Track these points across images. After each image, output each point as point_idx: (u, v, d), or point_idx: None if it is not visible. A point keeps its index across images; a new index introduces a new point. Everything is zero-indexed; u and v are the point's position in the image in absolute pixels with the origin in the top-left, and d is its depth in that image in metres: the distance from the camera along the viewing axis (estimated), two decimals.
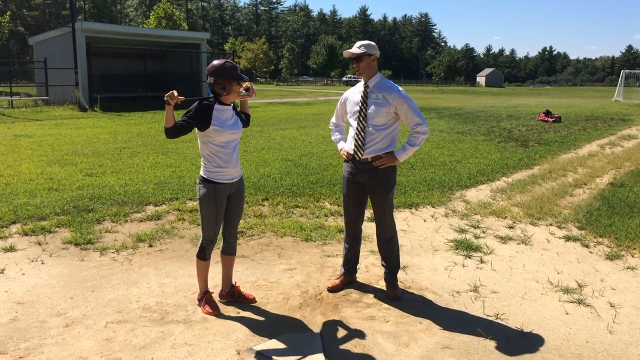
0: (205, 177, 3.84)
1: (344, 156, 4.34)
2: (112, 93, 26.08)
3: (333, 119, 4.55)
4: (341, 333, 3.71)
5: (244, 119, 4.07)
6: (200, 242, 3.98)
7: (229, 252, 4.12)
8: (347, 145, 4.29)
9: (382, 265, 4.47)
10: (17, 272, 4.66)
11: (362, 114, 4.13)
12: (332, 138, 4.58)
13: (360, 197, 4.32)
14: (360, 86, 4.23)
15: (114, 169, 9.22)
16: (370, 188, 4.21)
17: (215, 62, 3.75)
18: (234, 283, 4.22)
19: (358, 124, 4.14)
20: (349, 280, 4.53)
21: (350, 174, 4.26)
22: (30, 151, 11.14)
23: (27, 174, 8.67)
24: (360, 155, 4.15)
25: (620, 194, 7.90)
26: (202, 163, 3.89)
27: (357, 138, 4.15)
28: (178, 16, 68.93)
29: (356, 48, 4.11)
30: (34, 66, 31.34)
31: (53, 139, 13.16)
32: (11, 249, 5.18)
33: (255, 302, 4.15)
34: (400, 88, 4.14)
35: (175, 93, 3.55)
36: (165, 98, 3.53)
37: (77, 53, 23.93)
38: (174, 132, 3.66)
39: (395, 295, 4.29)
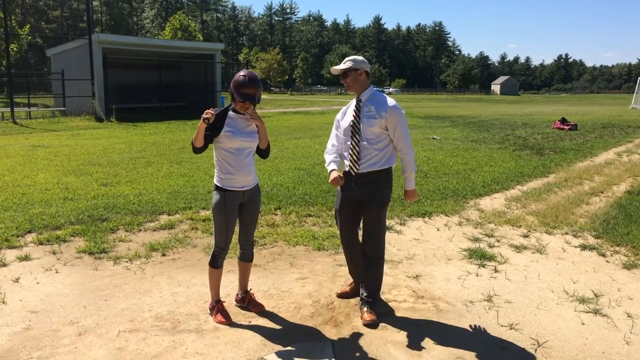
0: (216, 184, 3.90)
1: (332, 182, 4.01)
2: (128, 104, 26.38)
3: (329, 143, 4.30)
4: (353, 343, 3.68)
5: (262, 149, 4.02)
6: (212, 250, 4.00)
7: (244, 259, 4.15)
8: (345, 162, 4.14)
9: (361, 287, 4.20)
10: (32, 280, 4.70)
11: (355, 128, 4.03)
12: (325, 156, 4.25)
13: (354, 214, 4.17)
14: (353, 102, 4.15)
15: (128, 179, 9.30)
16: (365, 203, 4.07)
17: (242, 72, 3.80)
18: (248, 289, 4.24)
19: (352, 138, 4.04)
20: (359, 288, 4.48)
21: (344, 189, 4.13)
22: (47, 161, 11.28)
23: (43, 183, 8.78)
24: (355, 170, 4.03)
25: (637, 202, 7.78)
26: (215, 170, 3.95)
27: (352, 153, 4.05)
28: (193, 27, 69.68)
29: (342, 64, 4.07)
30: (51, 77, 31.80)
31: (69, 150, 13.32)
32: (26, 258, 5.23)
33: (264, 308, 4.15)
34: (395, 102, 4.05)
35: (211, 111, 3.66)
36: (205, 117, 3.62)
37: (94, 64, 24.26)
38: (201, 150, 3.80)
39: (374, 321, 3.95)
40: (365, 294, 4.15)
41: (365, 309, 4.06)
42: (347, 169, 4.12)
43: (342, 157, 4.19)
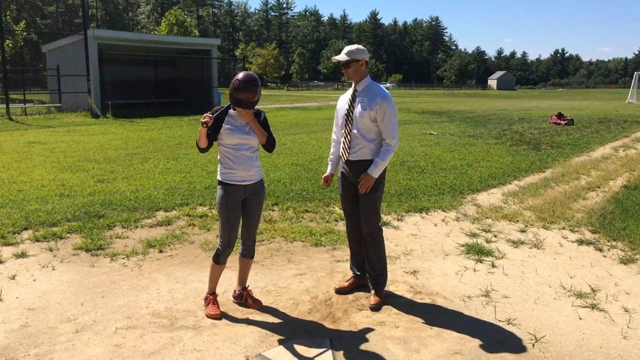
0: (219, 179, 3.96)
1: (322, 182, 4.46)
2: (124, 99, 26.30)
3: (333, 133, 4.51)
4: (351, 338, 3.68)
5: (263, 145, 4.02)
6: (218, 245, 4.03)
7: (246, 255, 4.17)
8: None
9: (367, 270, 4.39)
10: (28, 278, 4.68)
11: (349, 117, 4.20)
12: (330, 156, 4.53)
13: (355, 197, 4.30)
14: (350, 91, 4.30)
15: (125, 175, 9.26)
16: (359, 187, 4.21)
17: (240, 75, 3.82)
18: (246, 286, 4.23)
19: (345, 127, 4.22)
20: (358, 283, 4.49)
21: (343, 174, 4.34)
22: (43, 158, 11.23)
23: (39, 180, 8.74)
24: (346, 157, 4.23)
25: (634, 197, 7.80)
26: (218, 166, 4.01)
27: (344, 141, 4.24)
28: (189, 23, 69.45)
29: (343, 54, 4.14)
30: (47, 74, 31.66)
31: (65, 146, 13.27)
32: (23, 255, 5.21)
33: (262, 305, 4.15)
34: (388, 94, 4.15)
35: (209, 115, 3.70)
36: (203, 121, 3.66)
37: (90, 60, 24.14)
38: (207, 149, 3.88)
39: (378, 303, 4.16)
40: (372, 276, 4.32)
41: (372, 291, 4.27)
42: (340, 154, 4.33)
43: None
